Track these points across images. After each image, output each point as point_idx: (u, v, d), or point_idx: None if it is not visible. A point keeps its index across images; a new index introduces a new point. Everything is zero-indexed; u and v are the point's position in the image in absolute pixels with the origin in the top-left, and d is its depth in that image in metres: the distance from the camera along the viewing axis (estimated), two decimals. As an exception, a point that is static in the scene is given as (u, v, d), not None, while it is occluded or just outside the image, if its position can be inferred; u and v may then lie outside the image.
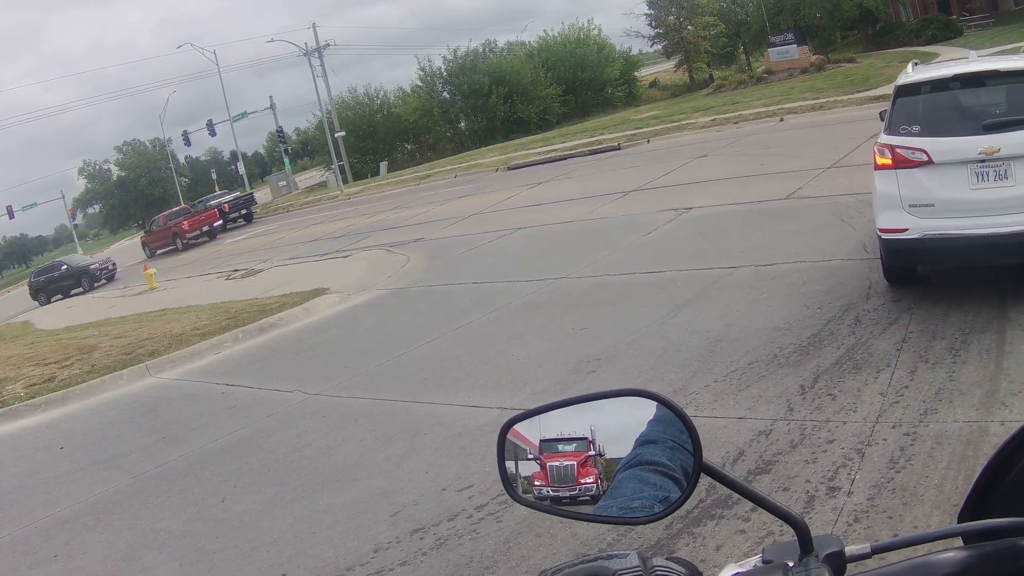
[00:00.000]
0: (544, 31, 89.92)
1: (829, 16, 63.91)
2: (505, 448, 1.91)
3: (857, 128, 25.84)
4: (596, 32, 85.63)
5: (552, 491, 1.83)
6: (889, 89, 34.61)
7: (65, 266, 48.15)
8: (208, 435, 12.32)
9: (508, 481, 1.91)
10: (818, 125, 30.78)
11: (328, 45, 75.43)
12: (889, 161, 9.81)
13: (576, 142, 46.23)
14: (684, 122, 42.20)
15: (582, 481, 1.78)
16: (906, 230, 9.78)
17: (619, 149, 39.67)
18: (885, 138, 10.03)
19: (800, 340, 10.23)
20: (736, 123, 37.28)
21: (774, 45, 55.00)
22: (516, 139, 63.91)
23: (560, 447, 1.82)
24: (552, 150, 46.00)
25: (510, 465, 1.90)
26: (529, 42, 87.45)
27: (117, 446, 13.02)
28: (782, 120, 34.95)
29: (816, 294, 11.88)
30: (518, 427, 1.89)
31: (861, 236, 14.35)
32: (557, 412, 1.84)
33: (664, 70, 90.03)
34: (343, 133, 73.35)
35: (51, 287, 47.26)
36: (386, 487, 8.85)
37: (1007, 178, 8.98)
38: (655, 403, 1.73)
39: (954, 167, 9.30)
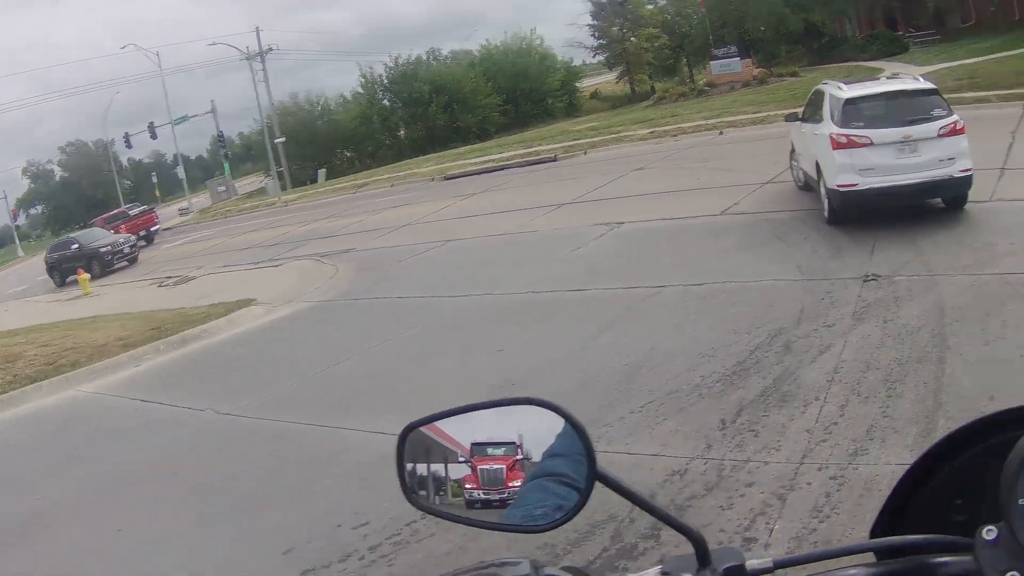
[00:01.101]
0: (487, 40, 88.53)
1: (774, 30, 64.06)
2: (417, 451, 1.92)
3: None
4: (539, 42, 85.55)
5: (483, 494, 1.84)
6: None
7: (76, 245, 42.87)
8: (116, 456, 11.67)
9: (408, 487, 1.91)
10: (757, 139, 30.57)
11: (271, 49, 74.34)
12: (845, 142, 14.87)
13: (513, 153, 45.79)
14: (623, 134, 41.82)
15: (510, 484, 1.82)
16: (856, 184, 14.78)
17: (556, 160, 39.21)
18: (838, 129, 15.11)
19: (724, 368, 9.72)
20: (675, 136, 37.10)
21: (717, 58, 54.90)
22: (455, 148, 63.30)
23: (490, 451, 1.84)
24: (489, 160, 45.51)
25: (438, 468, 1.90)
26: (474, 51, 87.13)
27: (23, 464, 12.51)
28: (721, 133, 34.85)
29: (745, 317, 11.42)
30: (447, 430, 1.89)
31: (796, 255, 13.96)
32: (475, 414, 1.87)
33: (606, 81, 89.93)
34: (283, 139, 72.45)
35: (64, 266, 42.02)
36: (283, 521, 8.28)
37: (916, 152, 14.61)
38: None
39: (887, 146, 14.71)
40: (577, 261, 17.50)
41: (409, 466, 1.90)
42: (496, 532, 1.92)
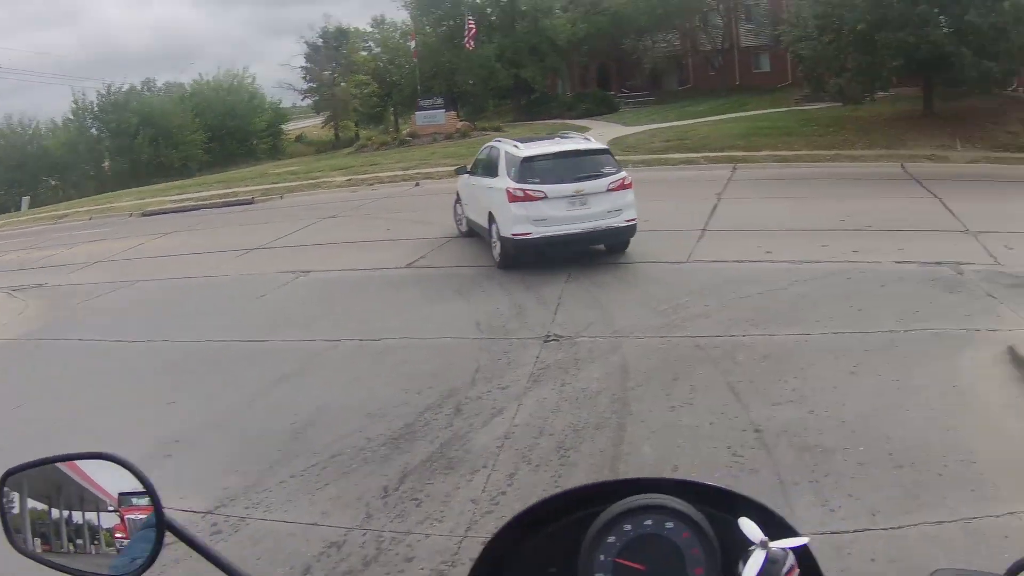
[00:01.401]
0: (200, 74, 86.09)
1: (483, 84, 64.61)
2: (41, 494, 1.97)
3: None
4: (250, 80, 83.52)
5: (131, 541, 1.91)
6: None
7: None
8: None
9: (10, 531, 1.94)
10: (452, 192, 30.46)
11: (-20, 68, 69.80)
12: (522, 196, 16.16)
13: (212, 192, 44.18)
14: (321, 180, 40.90)
15: (118, 535, 1.91)
16: (530, 233, 16.09)
17: (252, 203, 37.88)
18: (515, 184, 16.40)
19: (392, 430, 9.08)
20: (372, 185, 36.03)
21: (423, 108, 54.85)
22: (156, 184, 61.01)
23: (134, 500, 1.90)
24: (187, 199, 43.65)
25: (91, 516, 1.93)
26: (187, 84, 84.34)
27: None
28: (417, 185, 34.79)
29: (419, 376, 10.79)
30: (96, 477, 1.94)
31: (477, 313, 13.49)
32: (66, 464, 1.96)
33: (313, 125, 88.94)
34: (-11, 164, 67.01)
35: None
36: None
37: (586, 204, 16.20)
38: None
39: (560, 199, 16.14)
40: (260, 309, 16.65)
41: (20, 509, 1.94)
42: None
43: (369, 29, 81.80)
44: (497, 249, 17.14)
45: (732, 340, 11.41)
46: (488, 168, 18.43)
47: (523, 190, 16.30)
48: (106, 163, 76.89)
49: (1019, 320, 11.75)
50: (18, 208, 69.36)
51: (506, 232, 16.53)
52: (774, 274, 14.93)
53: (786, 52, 44.04)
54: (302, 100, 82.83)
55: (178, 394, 11.93)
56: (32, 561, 1.95)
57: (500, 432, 8.66)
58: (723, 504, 1.90)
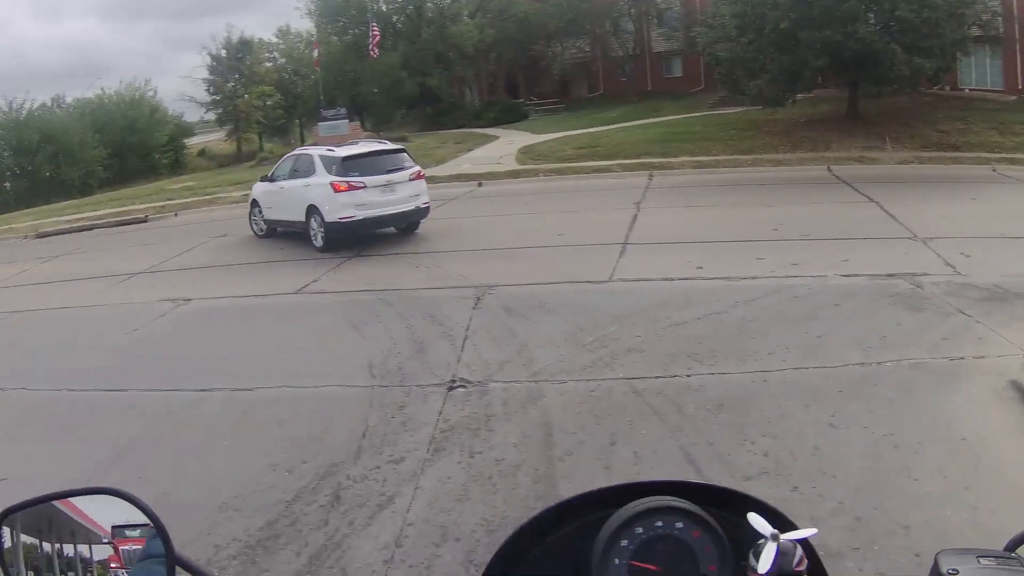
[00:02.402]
0: (102, 89, 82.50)
1: (387, 93, 62.48)
2: (33, 530, 1.97)
3: None
4: (152, 94, 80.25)
5: (126, 572, 1.91)
6: (439, 170, 33.86)
7: None
8: None
9: (6, 567, 1.93)
10: None
11: None
12: (346, 187, 19.40)
13: (107, 211, 41.49)
14: (217, 195, 38.70)
15: (113, 566, 1.91)
16: (354, 216, 19.33)
17: (146, 221, 35.72)
18: (339, 178, 19.64)
19: (249, 532, 6.84)
20: None
21: (325, 119, 52.71)
22: (57, 203, 58.03)
23: (127, 532, 1.91)
24: (82, 218, 41.11)
25: (83, 549, 1.92)
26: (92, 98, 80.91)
27: None
28: None
29: (294, 441, 8.52)
30: (86, 510, 1.95)
31: (372, 349, 11.34)
32: (66, 501, 1.97)
33: (216, 139, 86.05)
34: None
35: None
36: None
37: (394, 191, 19.85)
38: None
39: (375, 188, 19.54)
40: (128, 348, 14.40)
41: (13, 545, 1.93)
42: None
43: (274, 40, 79.58)
44: (320, 235, 20.32)
45: (676, 382, 9.36)
46: (300, 172, 21.72)
47: (347, 182, 19.75)
48: (7, 183, 73.25)
49: (1005, 343, 9.98)
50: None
51: (332, 217, 19.80)
52: (710, 294, 13.02)
53: (699, 56, 42.85)
54: (205, 113, 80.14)
55: (15, 467, 9.66)
56: None
57: (389, 535, 6.53)
58: (728, 503, 1.91)
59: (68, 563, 1.91)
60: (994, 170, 25.66)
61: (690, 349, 10.49)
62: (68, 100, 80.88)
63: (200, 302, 16.88)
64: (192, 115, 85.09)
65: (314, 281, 16.98)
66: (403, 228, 21.30)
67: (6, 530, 1.92)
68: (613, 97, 57.60)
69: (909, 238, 16.21)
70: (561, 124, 46.89)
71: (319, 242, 20.33)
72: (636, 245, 16.59)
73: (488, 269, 15.94)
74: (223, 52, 72.91)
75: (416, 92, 62.52)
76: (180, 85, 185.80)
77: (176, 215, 36.20)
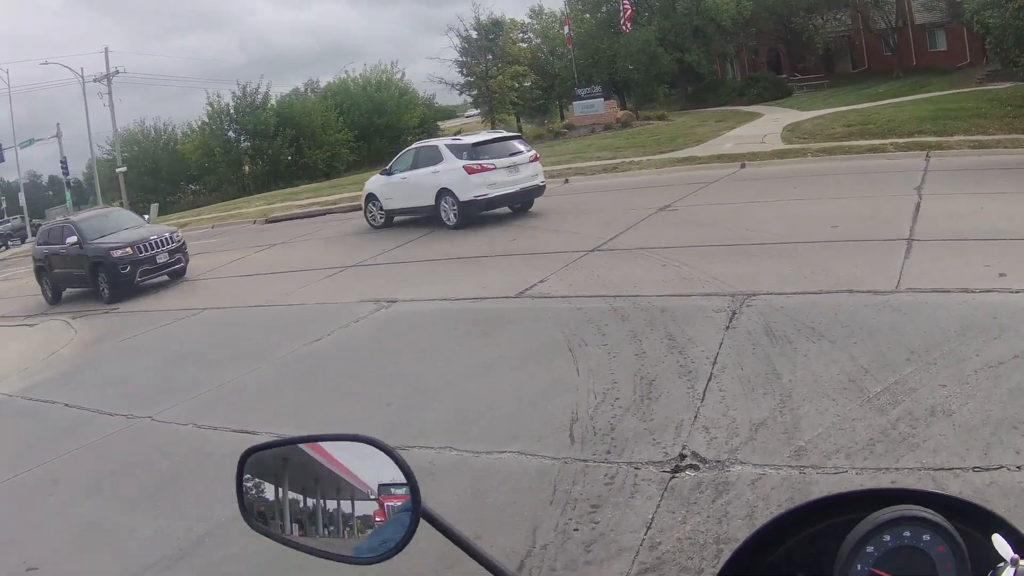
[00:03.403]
0: (346, 72, 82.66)
1: (644, 70, 59.61)
2: (275, 475, 1.98)
3: (646, 197, 23.11)
4: (399, 76, 79.85)
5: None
6: (698, 150, 31.01)
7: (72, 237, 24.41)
8: None
9: (245, 509, 1.98)
10: (604, 190, 27.30)
11: (118, 72, 67.73)
12: (478, 168, 22.13)
13: (342, 195, 40.50)
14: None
15: (377, 519, 1.87)
16: (487, 194, 22.24)
17: None
18: (470, 162, 22.26)
19: None
20: None
21: (579, 98, 50.30)
22: (296, 186, 57.74)
23: (392, 490, 1.85)
24: (316, 203, 40.30)
25: (345, 504, 1.89)
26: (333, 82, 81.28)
27: None
28: (567, 182, 30.80)
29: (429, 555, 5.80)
30: (354, 469, 1.90)
31: (581, 391, 8.62)
32: (314, 445, 1.93)
33: (474, 121, 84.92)
34: (124, 169, 66.18)
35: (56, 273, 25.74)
36: None
37: (518, 171, 22.67)
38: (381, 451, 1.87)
39: (502, 169, 22.38)
40: (301, 361, 12.62)
41: (261, 490, 1.96)
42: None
43: (527, 20, 77.85)
44: (453, 214, 22.78)
45: (1002, 479, 5.98)
46: (422, 162, 24.04)
47: (479, 164, 22.18)
48: (246, 167, 73.86)
49: None
50: (144, 215, 67.00)
51: (466, 197, 22.26)
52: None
53: (963, 27, 39.50)
54: (460, 95, 79.17)
55: (93, 534, 7.46)
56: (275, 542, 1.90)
57: None
58: (974, 520, 1.79)
59: (330, 516, 1.88)
60: None
61: (1017, 414, 6.94)
62: (322, 85, 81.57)
63: (405, 304, 14.83)
64: (448, 98, 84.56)
65: (541, 282, 14.50)
66: (518, 207, 23.86)
67: (248, 469, 1.95)
68: (877, 73, 54.05)
69: None
70: (827, 101, 43.84)
71: (452, 220, 22.88)
72: (923, 242, 13.27)
73: (750, 270, 13.05)
74: (473, 33, 71.72)
75: (674, 68, 59.91)
76: (429, 67, 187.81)
77: (410, 199, 34.07)
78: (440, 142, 24.56)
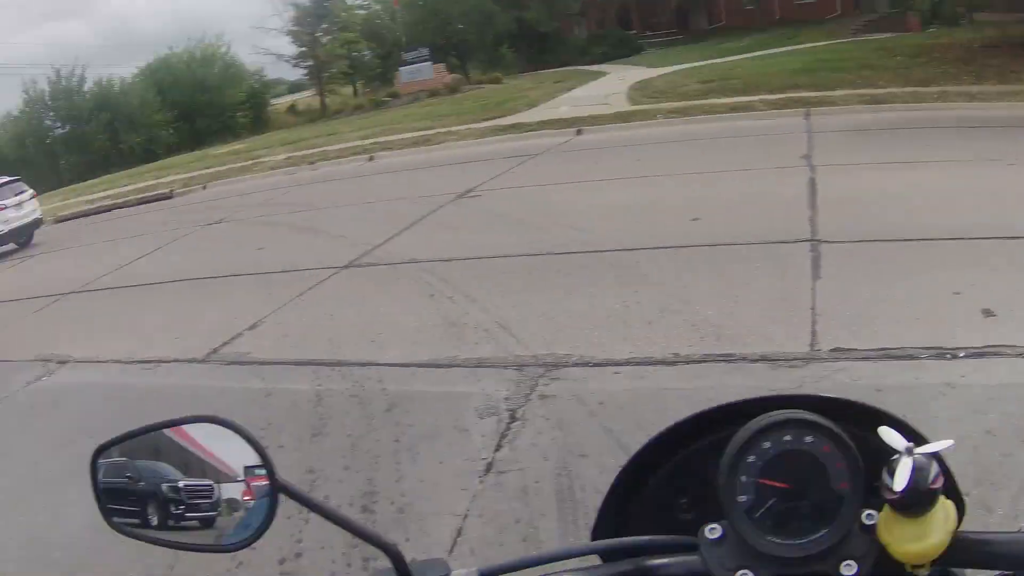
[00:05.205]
0: (169, 48, 76.79)
1: (478, 31, 55.60)
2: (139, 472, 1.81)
3: (450, 177, 18.43)
4: (224, 50, 73.99)
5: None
6: (526, 116, 26.66)
7: None
8: None
9: (104, 508, 1.76)
10: (410, 168, 21.98)
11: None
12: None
13: (137, 186, 35.61)
14: (260, 159, 32.71)
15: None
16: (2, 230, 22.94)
17: (171, 198, 29.67)
18: None
19: None
20: (313, 163, 27.47)
21: (406, 63, 46.01)
22: (114, 174, 52.21)
23: (257, 471, 1.70)
24: (106, 196, 35.30)
25: (222, 488, 1.73)
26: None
27: None
28: (372, 159, 25.75)
29: None
30: (221, 456, 1.73)
31: None
32: (164, 432, 1.78)
33: (309, 95, 79.93)
34: (-58, 162, 59.78)
35: None
36: None
37: (22, 208, 24.03)
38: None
39: (9, 208, 23.90)
40: None
41: (120, 486, 1.78)
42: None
43: (364, -17, 73.32)
44: None
45: None
46: None
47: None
48: (63, 160, 67.68)
49: None
50: None
51: None
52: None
53: None
54: (294, 67, 74.19)
55: None
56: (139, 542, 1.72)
57: None
58: (856, 417, 1.67)
59: (194, 506, 1.73)
60: None
61: None
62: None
63: (74, 370, 10.59)
64: (282, 71, 79.22)
65: (250, 328, 9.47)
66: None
67: (101, 468, 1.76)
68: (737, 28, 51.56)
69: None
70: (681, 56, 40.52)
71: None
72: (833, 244, 8.72)
73: (558, 307, 8.32)
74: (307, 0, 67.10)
75: (513, 28, 55.83)
76: (255, 37, 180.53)
77: (204, 188, 30.14)
78: None
